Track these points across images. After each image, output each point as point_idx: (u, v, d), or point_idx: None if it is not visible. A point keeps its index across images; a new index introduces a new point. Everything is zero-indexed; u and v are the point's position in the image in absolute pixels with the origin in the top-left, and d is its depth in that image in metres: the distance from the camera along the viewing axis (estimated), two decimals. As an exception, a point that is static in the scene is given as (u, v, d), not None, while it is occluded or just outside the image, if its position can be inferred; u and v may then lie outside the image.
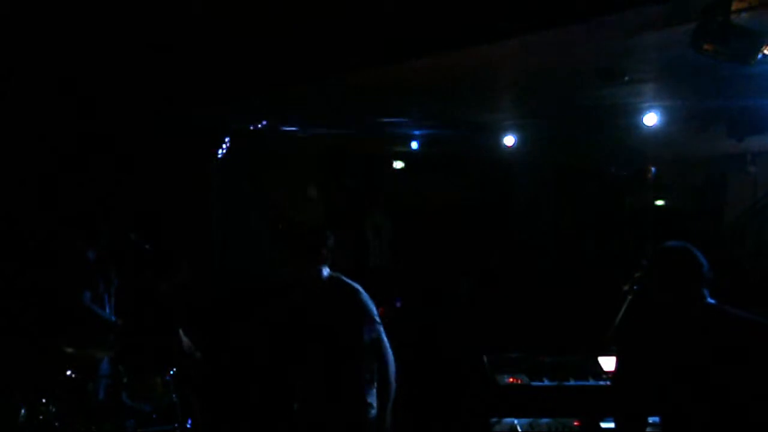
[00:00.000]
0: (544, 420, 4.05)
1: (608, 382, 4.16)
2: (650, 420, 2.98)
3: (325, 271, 3.67)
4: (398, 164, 10.58)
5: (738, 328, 2.70)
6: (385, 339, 3.62)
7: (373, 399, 3.58)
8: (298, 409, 3.74)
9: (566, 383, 4.19)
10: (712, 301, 2.78)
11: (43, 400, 4.26)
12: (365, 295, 3.63)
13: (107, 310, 5.27)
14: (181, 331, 5.10)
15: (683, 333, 2.76)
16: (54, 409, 4.26)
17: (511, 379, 4.23)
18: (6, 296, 5.79)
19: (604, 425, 3.92)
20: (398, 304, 7.95)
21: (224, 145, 7.60)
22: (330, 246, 3.67)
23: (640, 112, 6.57)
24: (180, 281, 5.59)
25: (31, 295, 5.53)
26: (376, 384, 3.60)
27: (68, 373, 4.46)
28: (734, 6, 3.52)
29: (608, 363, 4.31)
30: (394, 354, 3.67)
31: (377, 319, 3.62)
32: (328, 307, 3.61)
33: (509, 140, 7.94)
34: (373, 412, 3.56)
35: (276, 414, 4.80)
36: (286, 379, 3.90)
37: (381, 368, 3.57)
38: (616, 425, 2.91)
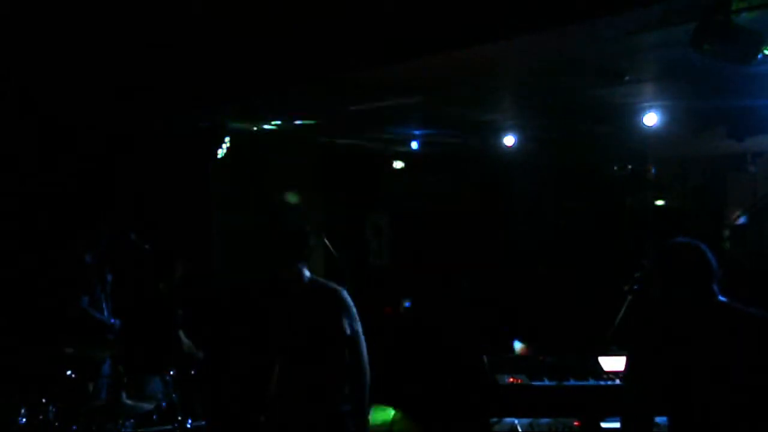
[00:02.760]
0: (544, 420, 4.05)
1: (608, 383, 4.16)
2: (656, 420, 2.97)
3: (306, 273, 3.80)
4: (398, 164, 10.57)
5: (752, 325, 2.68)
6: (362, 337, 3.75)
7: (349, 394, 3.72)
8: (275, 406, 3.85)
9: (566, 383, 4.19)
10: (723, 298, 2.76)
11: (43, 400, 4.27)
12: (345, 294, 3.79)
13: (105, 313, 5.28)
14: (181, 333, 5.10)
15: (697, 331, 2.74)
16: (54, 409, 4.26)
17: (511, 379, 4.23)
18: (6, 298, 5.79)
19: (604, 425, 3.92)
20: (407, 305, 7.96)
21: (224, 145, 7.60)
22: (311, 245, 3.85)
23: (640, 112, 6.57)
24: (179, 281, 5.59)
25: (30, 298, 5.53)
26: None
27: (68, 373, 4.46)
28: (734, 6, 3.52)
29: (608, 363, 4.31)
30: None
31: (356, 316, 3.76)
32: (310, 307, 3.75)
33: (509, 140, 7.94)
34: (348, 407, 3.69)
35: (264, 413, 4.79)
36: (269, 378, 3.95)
37: (356, 364, 3.71)
38: (622, 425, 2.88)
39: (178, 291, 5.47)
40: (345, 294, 3.79)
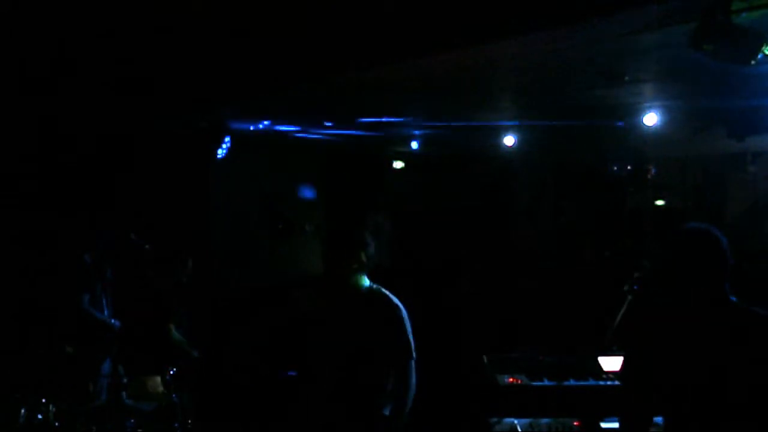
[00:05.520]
0: (544, 420, 4.05)
1: (608, 383, 4.16)
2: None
3: (366, 281, 3.44)
4: (398, 164, 10.57)
5: (761, 327, 2.58)
6: (414, 369, 3.37)
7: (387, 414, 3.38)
8: (301, 413, 3.60)
9: (566, 383, 4.19)
10: (733, 298, 2.65)
11: (43, 400, 4.27)
12: (405, 315, 3.39)
13: (105, 312, 5.29)
14: (172, 327, 5.10)
15: (704, 331, 2.64)
16: (54, 409, 4.26)
17: (511, 379, 4.24)
18: (6, 298, 5.80)
19: (604, 425, 3.92)
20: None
21: (224, 145, 7.60)
22: (370, 254, 3.41)
23: (640, 112, 6.57)
24: (179, 281, 5.59)
25: (30, 298, 5.53)
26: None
27: (68, 373, 4.46)
28: (734, 6, 3.52)
29: (608, 363, 4.31)
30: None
31: (412, 344, 3.37)
32: (361, 320, 3.37)
33: (509, 140, 7.94)
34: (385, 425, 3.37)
35: (274, 415, 4.79)
36: (289, 381, 3.87)
37: (400, 394, 3.35)
38: (620, 426, 2.84)
39: (184, 288, 5.46)
40: (404, 315, 3.37)
